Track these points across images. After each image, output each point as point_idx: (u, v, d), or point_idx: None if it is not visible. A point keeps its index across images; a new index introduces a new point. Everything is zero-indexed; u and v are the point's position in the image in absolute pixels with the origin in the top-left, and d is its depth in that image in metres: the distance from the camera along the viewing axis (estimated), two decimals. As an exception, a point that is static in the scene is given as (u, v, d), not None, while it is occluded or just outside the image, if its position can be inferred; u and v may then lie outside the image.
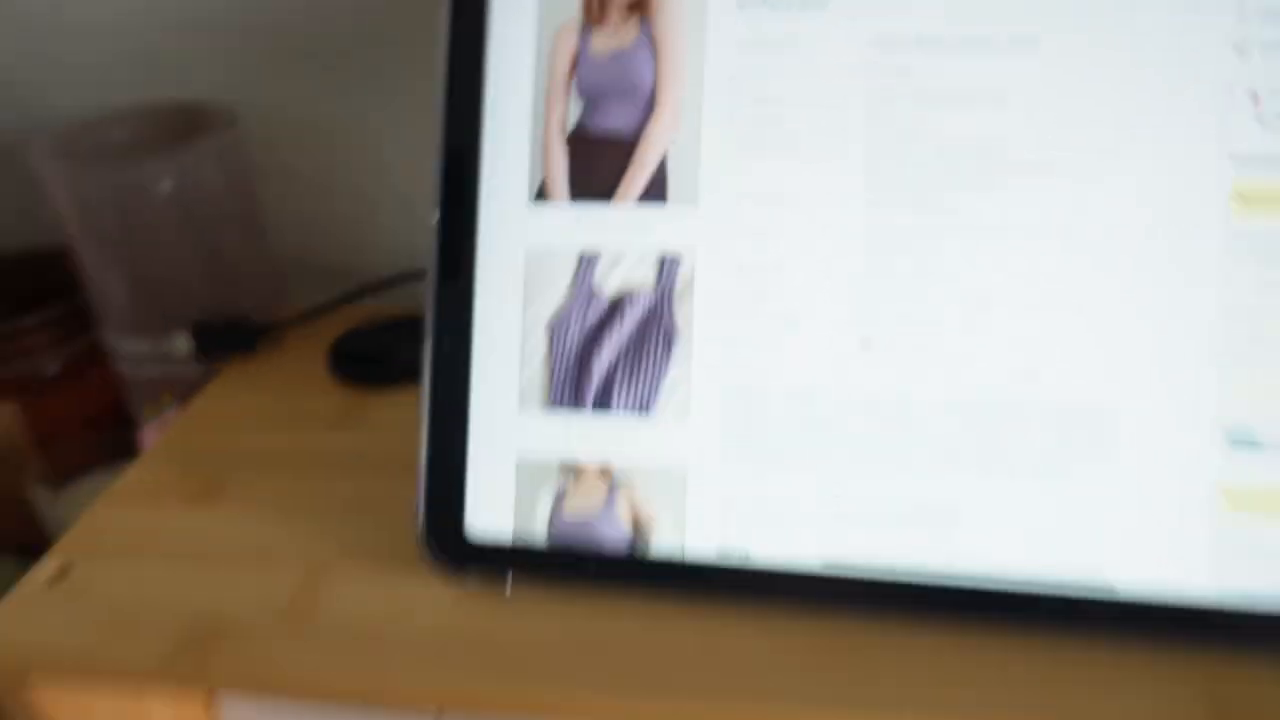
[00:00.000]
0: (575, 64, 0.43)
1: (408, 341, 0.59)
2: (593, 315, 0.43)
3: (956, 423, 0.40)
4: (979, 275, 0.40)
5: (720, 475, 0.42)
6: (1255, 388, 0.38)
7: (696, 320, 0.42)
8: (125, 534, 0.49)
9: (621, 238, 0.43)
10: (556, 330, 0.43)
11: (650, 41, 0.43)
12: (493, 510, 0.43)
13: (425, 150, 0.71)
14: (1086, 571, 0.39)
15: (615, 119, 0.43)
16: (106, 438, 0.66)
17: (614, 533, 0.42)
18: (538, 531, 0.43)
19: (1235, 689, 0.38)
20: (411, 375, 0.57)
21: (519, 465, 0.43)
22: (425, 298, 0.45)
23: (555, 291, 0.43)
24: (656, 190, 0.42)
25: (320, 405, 0.57)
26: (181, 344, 0.61)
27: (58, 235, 0.80)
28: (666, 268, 0.42)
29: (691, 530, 0.42)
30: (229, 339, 0.61)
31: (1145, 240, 0.39)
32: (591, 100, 0.43)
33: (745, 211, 0.42)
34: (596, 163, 0.43)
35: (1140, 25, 0.39)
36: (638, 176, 0.42)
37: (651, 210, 0.42)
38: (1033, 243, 0.39)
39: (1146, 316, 0.39)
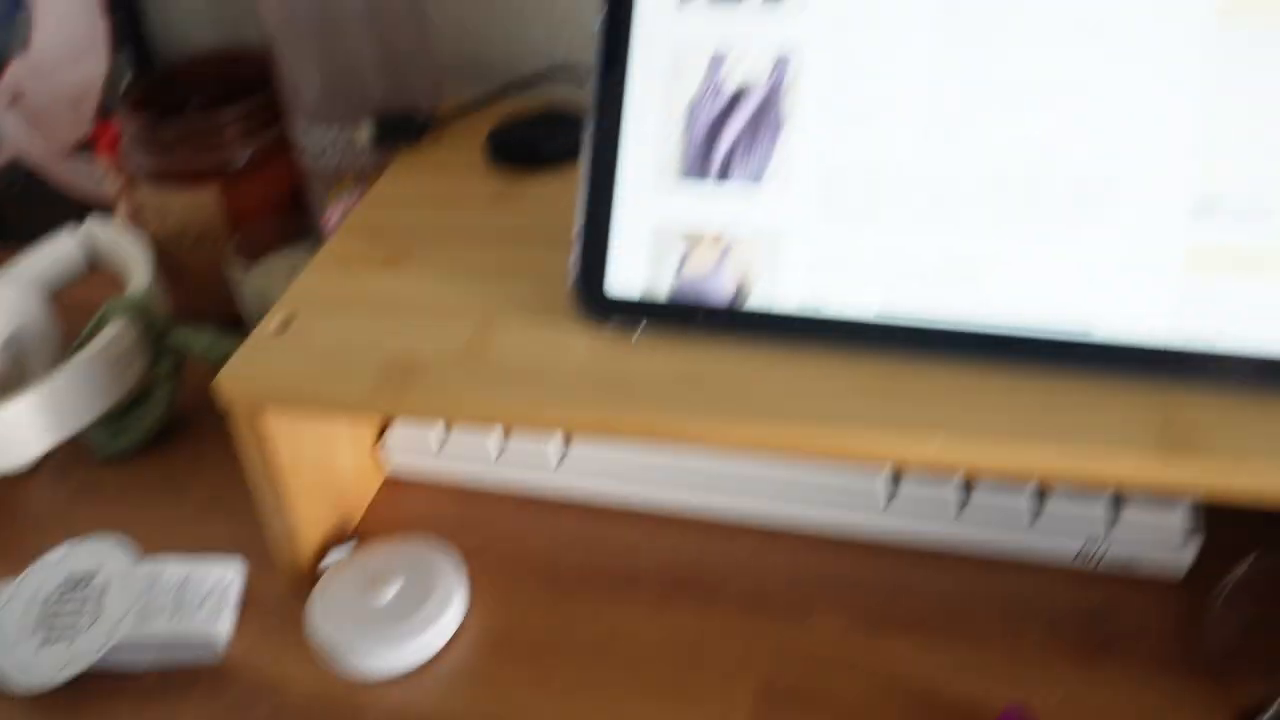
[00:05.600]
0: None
1: (554, 131, 0.65)
2: (720, 102, 0.49)
3: (995, 191, 0.46)
4: (1021, 68, 0.45)
5: (808, 237, 0.48)
6: (1220, 166, 0.44)
7: (800, 107, 0.48)
8: (331, 293, 0.56)
9: (747, 35, 0.48)
10: (690, 115, 0.49)
11: None
12: (630, 270, 0.50)
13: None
14: (1079, 315, 0.45)
15: (748, -71, 0.48)
16: (288, 220, 0.72)
17: (722, 288, 0.49)
18: (662, 288, 0.50)
19: (1181, 414, 0.44)
20: (557, 161, 0.63)
21: (653, 232, 0.50)
22: (588, 87, 0.51)
23: (692, 81, 0.49)
24: (779, -11, 0.48)
25: (480, 187, 0.63)
26: (363, 133, 0.67)
27: (245, 34, 0.87)
28: (780, 59, 0.48)
29: (781, 285, 0.48)
30: (401, 129, 0.67)
31: (1148, 42, 0.44)
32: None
33: (845, 13, 0.47)
34: (732, -32, 0.48)
35: None
36: (765, -22, 0.48)
37: (772, 10, 0.48)
38: (1064, 44, 0.45)
39: (1141, 105, 0.44)
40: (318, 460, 0.57)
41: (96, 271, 0.78)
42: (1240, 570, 0.50)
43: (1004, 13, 0.46)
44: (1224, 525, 0.53)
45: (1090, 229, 0.45)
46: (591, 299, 0.51)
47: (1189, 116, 0.44)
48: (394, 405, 0.50)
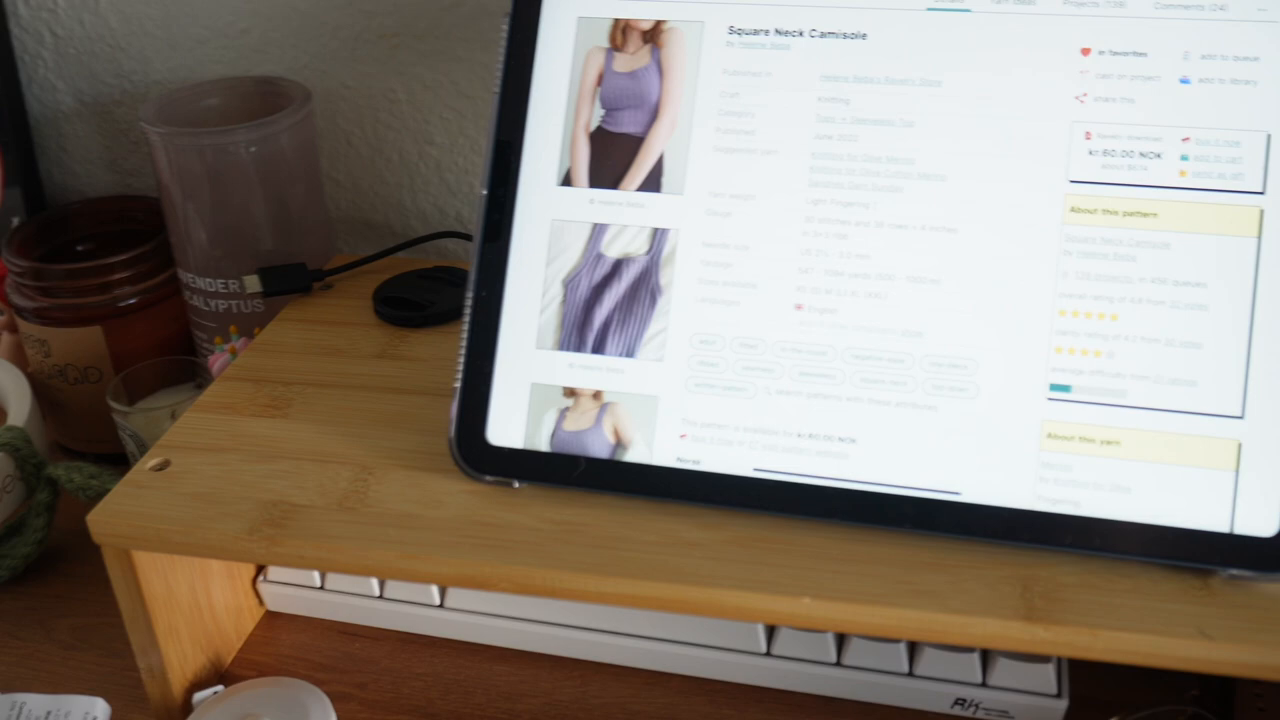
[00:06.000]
0: (601, 78, 0.52)
1: (439, 290, 0.68)
2: (599, 273, 0.52)
3: (860, 368, 0.50)
4: (885, 257, 0.50)
5: (682, 402, 0.51)
6: (1073, 351, 0.48)
7: (676, 282, 0.51)
8: (212, 436, 0.57)
9: (624, 215, 0.52)
10: (570, 285, 0.53)
11: (659, 65, 0.52)
12: (510, 422, 0.52)
13: (461, 130, 0.81)
14: (943, 484, 0.49)
15: (627, 123, 0.52)
16: (173, 362, 0.73)
17: (600, 443, 0.52)
18: (542, 441, 0.52)
19: (1039, 573, 0.47)
20: (441, 318, 0.66)
21: (532, 389, 0.52)
22: (471, 256, 0.53)
23: (571, 255, 0.52)
24: (653, 181, 0.52)
25: (365, 340, 0.65)
26: (250, 283, 0.69)
27: (140, 182, 0.90)
28: (657, 238, 0.52)
29: (658, 443, 0.51)
30: (289, 281, 0.69)
31: (1003, 235, 0.49)
32: (610, 108, 0.52)
33: (719, 201, 0.51)
34: (610, 157, 0.52)
35: (1013, 76, 0.49)
36: (640, 169, 0.52)
37: (648, 197, 0.52)
38: (924, 234, 0.49)
39: (1000, 293, 0.49)
40: (192, 596, 0.58)
41: (-26, 403, 0.78)
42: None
43: (868, 204, 0.50)
44: (1102, 669, 0.56)
45: (952, 404, 0.49)
46: (471, 451, 0.53)
47: (1042, 304, 0.48)
48: (267, 554, 0.51)
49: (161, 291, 0.76)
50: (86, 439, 0.77)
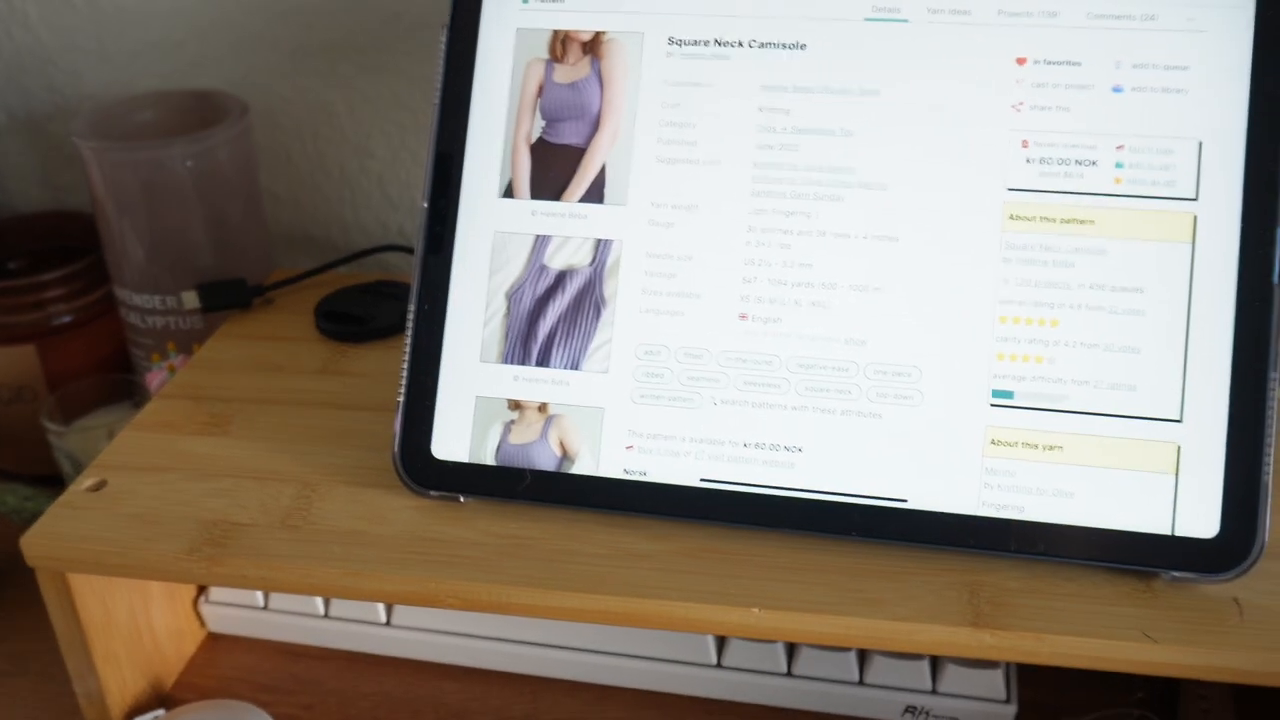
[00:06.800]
0: (541, 90, 0.52)
1: (381, 305, 0.67)
2: (542, 285, 0.52)
3: (805, 377, 0.50)
4: (827, 266, 0.50)
5: (628, 413, 0.51)
6: (1014, 357, 0.48)
7: (620, 293, 0.51)
8: (150, 455, 0.56)
9: (567, 226, 0.52)
10: (514, 297, 0.52)
11: (599, 76, 0.52)
12: (454, 438, 0.52)
13: (402, 143, 0.80)
14: (889, 491, 0.49)
15: (569, 135, 0.52)
16: (110, 380, 0.72)
17: (546, 456, 0.51)
18: (488, 455, 0.52)
19: (984, 579, 0.47)
20: (384, 333, 0.65)
21: (477, 402, 0.52)
22: (412, 269, 0.53)
23: (514, 267, 0.52)
24: (596, 193, 0.52)
25: (307, 356, 0.65)
26: (189, 299, 0.68)
27: (74, 198, 0.88)
28: (601, 249, 0.52)
29: (604, 455, 0.51)
30: (229, 297, 0.68)
31: (943, 243, 0.49)
32: (551, 119, 0.52)
33: (662, 211, 0.51)
34: (552, 168, 0.52)
35: (950, 86, 0.49)
36: (582, 181, 0.52)
37: (591, 208, 0.52)
38: (866, 242, 0.49)
39: (941, 300, 0.49)
40: (131, 619, 0.56)
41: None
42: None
43: (810, 213, 0.50)
44: (1050, 674, 0.56)
45: (897, 412, 0.49)
46: (415, 465, 0.52)
47: (983, 311, 0.49)
48: (207, 574, 0.50)
49: (97, 309, 0.74)
50: (21, 460, 0.75)
